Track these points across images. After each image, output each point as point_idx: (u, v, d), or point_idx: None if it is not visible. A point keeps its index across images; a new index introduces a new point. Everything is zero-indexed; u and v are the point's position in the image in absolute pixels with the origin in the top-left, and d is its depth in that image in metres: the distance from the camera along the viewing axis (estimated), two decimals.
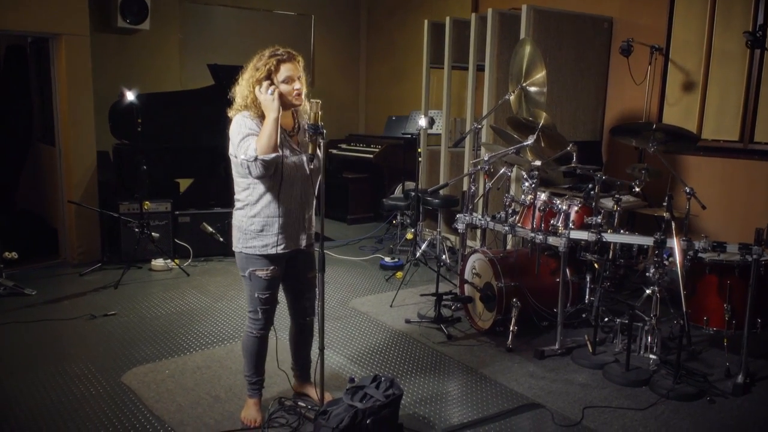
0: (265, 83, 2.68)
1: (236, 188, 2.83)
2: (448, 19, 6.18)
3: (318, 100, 2.66)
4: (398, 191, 7.43)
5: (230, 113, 2.80)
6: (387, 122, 8.21)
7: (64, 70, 5.50)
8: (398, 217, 6.69)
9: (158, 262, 5.61)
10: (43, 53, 5.86)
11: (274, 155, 2.62)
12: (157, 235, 5.69)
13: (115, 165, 6.15)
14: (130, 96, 5.32)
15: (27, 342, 3.97)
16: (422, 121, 4.90)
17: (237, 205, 2.85)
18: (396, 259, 5.85)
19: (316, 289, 3.00)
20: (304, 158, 2.79)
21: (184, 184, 6.77)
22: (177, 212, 5.91)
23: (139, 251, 5.57)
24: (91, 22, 6.48)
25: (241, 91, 2.77)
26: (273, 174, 2.71)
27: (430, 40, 6.50)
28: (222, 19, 7.65)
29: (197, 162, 6.30)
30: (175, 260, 5.67)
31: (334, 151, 8.30)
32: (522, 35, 5.22)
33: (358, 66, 9.11)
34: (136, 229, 5.52)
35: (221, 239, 5.87)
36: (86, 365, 3.60)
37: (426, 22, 6.48)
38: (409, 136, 7.51)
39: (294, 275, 2.96)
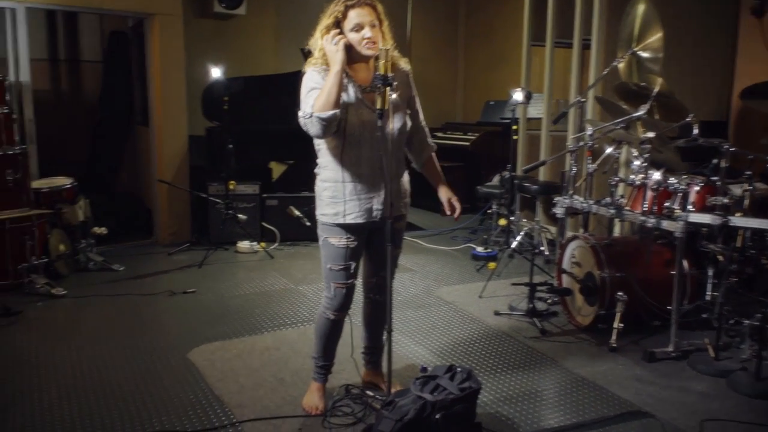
0: (333, 32, 2.40)
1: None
2: None
3: (388, 47, 2.35)
4: (496, 180, 6.99)
5: (304, 67, 2.54)
6: (484, 107, 7.78)
7: (158, 50, 5.54)
8: (493, 206, 6.26)
9: (244, 244, 5.52)
10: (142, 37, 5.96)
11: (330, 113, 2.33)
12: (244, 217, 5.61)
13: (207, 147, 6.14)
14: (215, 73, 5.25)
15: (106, 314, 3.94)
16: (517, 95, 4.48)
17: (315, 169, 2.62)
18: (489, 250, 5.44)
19: (395, 268, 2.71)
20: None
21: (279, 170, 6.70)
22: (265, 195, 5.81)
23: (225, 233, 5.51)
24: (189, 7, 6.60)
25: (314, 42, 2.52)
26: (336, 133, 2.43)
27: (531, 15, 6.03)
28: (318, 2, 7.48)
29: (290, 146, 6.14)
30: (261, 243, 5.57)
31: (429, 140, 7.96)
32: None
33: (456, 50, 8.73)
34: (223, 210, 5.46)
35: (308, 223, 5.70)
36: (157, 340, 3.50)
37: None
38: (508, 120, 7.02)
39: (372, 247, 2.67)
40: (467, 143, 7.38)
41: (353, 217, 2.51)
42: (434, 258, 5.43)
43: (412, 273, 4.93)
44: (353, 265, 2.58)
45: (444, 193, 2.75)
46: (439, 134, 7.98)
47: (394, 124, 2.46)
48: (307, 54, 2.63)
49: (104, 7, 5.28)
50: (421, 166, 2.76)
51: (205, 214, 5.71)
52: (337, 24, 2.41)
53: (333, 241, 2.54)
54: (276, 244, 5.70)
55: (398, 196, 2.59)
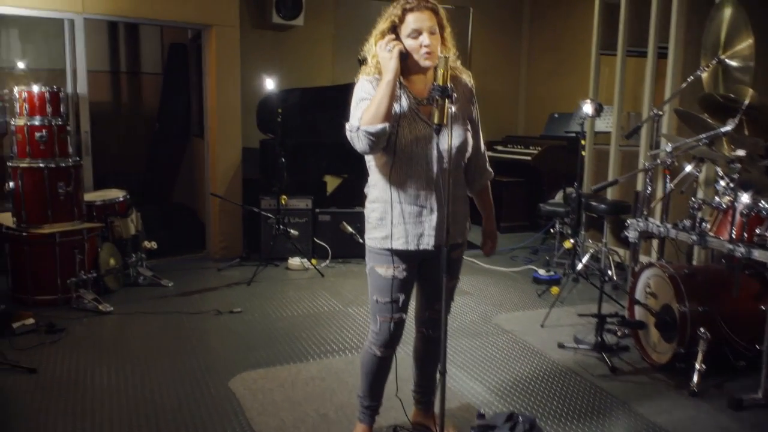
0: (388, 37, 2.18)
1: None
2: None
3: (447, 55, 2.11)
4: (558, 197, 6.62)
5: (357, 76, 2.34)
6: (548, 120, 7.42)
7: (214, 61, 5.47)
8: (557, 226, 5.91)
9: (295, 261, 5.37)
10: (201, 49, 5.92)
11: (380, 126, 2.10)
12: (296, 232, 5.46)
13: (260, 160, 6.05)
14: (269, 85, 5.14)
15: (151, 334, 3.83)
16: (587, 107, 4.15)
17: (365, 187, 2.41)
18: (552, 273, 5.10)
19: (451, 301, 2.47)
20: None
21: (334, 184, 6.55)
22: (318, 210, 5.64)
23: (276, 248, 5.37)
24: (247, 18, 6.57)
25: (368, 49, 2.30)
26: (386, 149, 2.21)
27: (602, 22, 5.68)
28: (376, 13, 7.31)
29: (345, 160, 6.00)
30: (313, 260, 5.40)
31: (490, 154, 7.63)
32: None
33: (519, 61, 8.40)
34: (274, 225, 5.32)
35: (361, 240, 5.49)
36: (199, 363, 3.34)
37: (597, 1, 5.67)
38: (573, 134, 6.65)
39: (426, 278, 2.42)
40: (529, 158, 7.04)
41: (402, 243, 2.27)
42: (492, 280, 5.13)
43: (469, 296, 4.65)
44: (402, 298, 2.33)
45: (488, 228, 2.55)
46: (500, 148, 7.68)
47: (453, 140, 2.21)
48: (362, 62, 2.42)
49: (162, 18, 5.26)
50: (474, 193, 2.50)
51: (257, 228, 5.59)
52: (394, 29, 2.20)
53: (380, 270, 2.31)
54: (327, 261, 5.52)
55: (455, 222, 2.33)
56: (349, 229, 5.59)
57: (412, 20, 2.17)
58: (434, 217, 2.25)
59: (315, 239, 5.64)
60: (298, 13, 6.77)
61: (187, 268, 5.30)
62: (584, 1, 7.12)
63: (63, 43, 4.93)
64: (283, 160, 5.20)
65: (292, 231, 5.42)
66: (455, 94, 2.09)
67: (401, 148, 2.21)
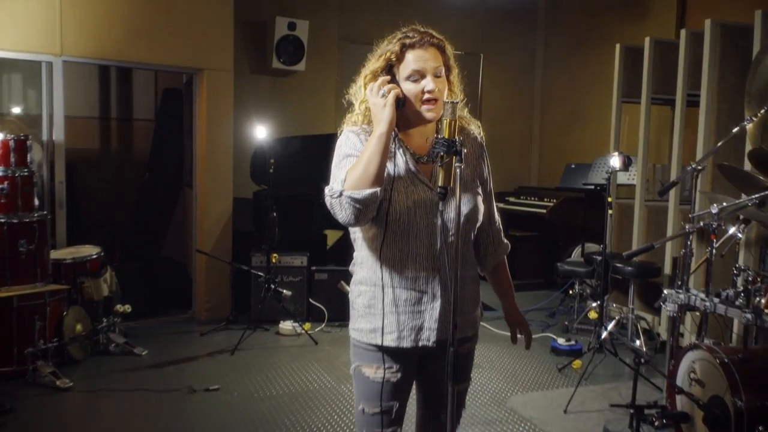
0: (381, 79, 1.74)
1: None
2: (647, 39, 4.93)
3: (454, 100, 1.66)
4: (576, 254, 6.11)
5: (340, 127, 1.89)
6: (564, 171, 6.97)
7: (204, 106, 5.09)
8: (576, 287, 5.39)
9: (286, 325, 4.86)
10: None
11: (368, 192, 1.64)
12: (289, 293, 4.96)
13: (254, 212, 5.60)
14: (260, 133, 4.74)
15: (110, 415, 3.32)
16: (614, 161, 3.68)
17: (350, 266, 1.96)
18: (573, 342, 4.55)
19: (461, 409, 1.97)
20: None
21: (335, 238, 6.10)
22: (314, 268, 5.17)
23: (267, 310, 4.87)
24: (245, 62, 6.26)
25: (355, 92, 1.87)
26: (376, 219, 1.74)
27: (623, 68, 5.27)
28: None
29: None
30: (306, 324, 4.90)
31: (501, 205, 7.20)
32: (755, 49, 3.84)
33: (532, 108, 8.02)
34: (269, 286, 4.84)
35: None
36: None
37: (618, 46, 5.28)
38: (593, 187, 6.21)
39: (427, 380, 1.92)
40: (544, 210, 6.56)
41: (394, 339, 1.78)
42: (505, 349, 4.59)
43: (479, 370, 4.11)
44: (396, 407, 1.82)
45: (513, 316, 2.08)
46: (512, 199, 7.22)
47: (461, 207, 1.74)
48: (348, 107, 1.97)
49: (149, 62, 4.90)
50: (488, 271, 2.01)
51: (246, 287, 5.10)
52: (390, 69, 1.76)
53: (367, 371, 1.82)
54: (323, 325, 5.01)
55: (464, 310, 1.84)
56: (348, 288, 5.08)
57: (413, 59, 1.73)
58: (437, 305, 1.77)
59: (310, 300, 5.15)
60: (299, 58, 6.45)
61: (166, 333, 4.81)
62: (602, 47, 6.75)
63: (40, 87, 4.57)
64: (274, 214, 4.75)
65: (284, 291, 4.93)
66: (465, 150, 1.63)
67: (396, 217, 1.74)
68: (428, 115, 1.74)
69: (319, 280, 5.18)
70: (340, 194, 1.66)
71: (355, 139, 1.79)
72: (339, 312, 5.10)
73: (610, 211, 3.70)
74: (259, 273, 4.93)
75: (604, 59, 6.37)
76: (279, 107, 6.51)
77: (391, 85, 1.72)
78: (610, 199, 3.78)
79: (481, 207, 1.86)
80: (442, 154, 1.63)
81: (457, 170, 1.61)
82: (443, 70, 1.77)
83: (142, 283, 5.25)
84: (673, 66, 4.69)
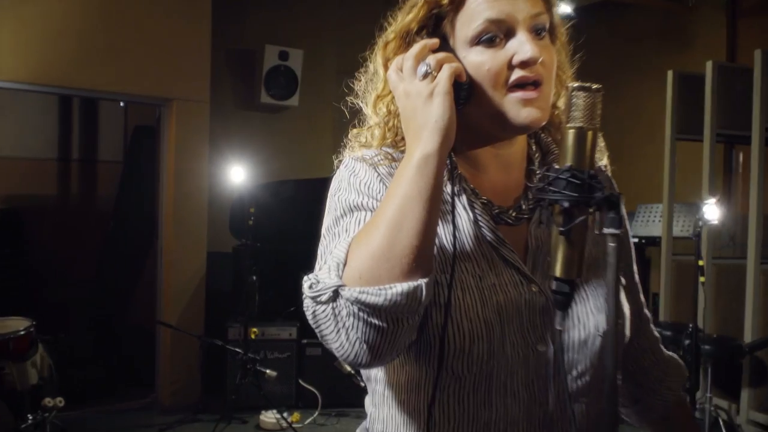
0: (422, 44, 0.87)
1: None
2: (710, 64, 4.10)
3: (591, 85, 0.74)
4: None
5: (338, 156, 1.03)
6: None
7: (173, 144, 4.23)
8: None
9: (268, 417, 3.87)
10: None
11: (400, 290, 0.75)
12: (273, 373, 3.96)
13: (233, 271, 4.66)
14: (237, 176, 3.85)
15: None
16: (710, 211, 2.76)
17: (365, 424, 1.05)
18: None
19: None
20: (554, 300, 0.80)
21: None
22: (305, 341, 4.21)
23: (245, 396, 3.88)
24: (231, 96, 5.44)
25: (366, 84, 1.01)
26: (416, 350, 0.84)
27: (677, 99, 4.42)
28: None
29: None
30: (295, 414, 3.91)
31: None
32: None
33: None
34: (248, 366, 3.86)
35: (363, 383, 4.00)
36: None
37: (670, 73, 4.44)
38: (636, 240, 5.27)
39: None
40: None
41: None
42: None
43: None
44: None
45: None
46: None
47: (589, 319, 0.82)
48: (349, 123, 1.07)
49: (102, 89, 4.05)
50: (654, 418, 1.08)
51: (221, 366, 4.12)
52: (436, 26, 0.90)
53: None
54: (316, 414, 4.02)
55: None
56: (348, 367, 4.10)
57: (481, 5, 0.85)
58: None
59: (300, 381, 4.16)
60: (292, 91, 5.63)
61: (117, 427, 3.81)
62: (639, 76, 5.92)
63: None
64: (254, 278, 3.80)
65: (268, 371, 3.94)
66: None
67: (460, 347, 0.83)
68: (524, 114, 0.85)
69: (312, 356, 4.21)
70: (336, 294, 0.76)
71: (367, 174, 0.90)
72: (335, 396, 4.11)
73: (701, 279, 2.76)
74: (237, 349, 3.94)
75: (641, 90, 5.57)
76: (268, 147, 5.63)
77: (443, 55, 0.84)
78: (701, 263, 2.84)
79: (627, 311, 0.93)
80: (563, 205, 0.71)
81: (612, 246, 0.69)
82: (548, 25, 0.87)
83: (97, 357, 4.32)
84: (740, 97, 3.89)
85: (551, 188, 0.72)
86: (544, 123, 0.87)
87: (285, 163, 5.50)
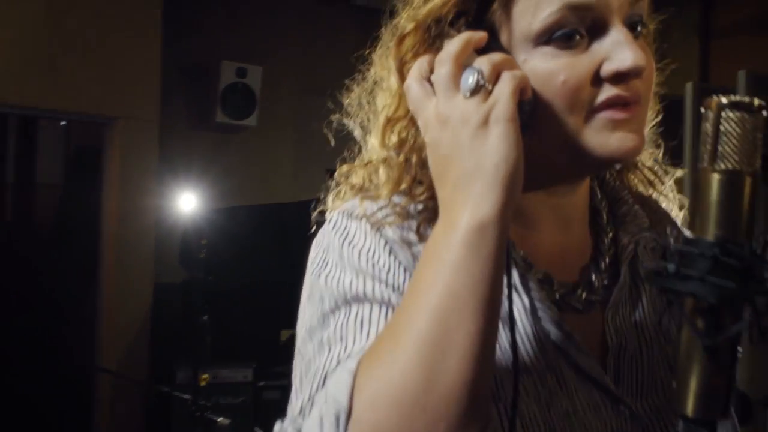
0: (464, 38, 0.55)
1: None
2: (689, 86, 3.93)
3: (757, 101, 0.43)
4: None
5: (325, 205, 0.73)
6: None
7: (118, 165, 3.87)
8: None
9: None
10: None
11: None
12: (227, 421, 3.58)
13: (183, 305, 4.28)
14: (186, 204, 3.51)
15: None
16: None
17: None
18: None
19: None
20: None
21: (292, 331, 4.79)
22: (262, 383, 3.85)
23: None
24: (184, 115, 5.09)
25: (356, 105, 0.71)
26: None
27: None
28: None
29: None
30: None
31: None
32: None
33: None
34: (198, 414, 3.47)
35: None
36: None
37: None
38: None
39: None
40: None
41: None
42: None
43: None
44: None
45: None
46: None
47: None
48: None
49: (32, 105, 3.66)
50: None
51: (166, 414, 3.72)
52: (480, 14, 0.58)
53: None
54: None
55: None
56: None
57: None
58: None
59: (257, 430, 3.79)
60: (250, 111, 5.32)
61: None
62: None
63: None
64: (205, 317, 3.43)
65: (220, 419, 3.55)
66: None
67: None
68: (616, 143, 0.57)
69: (270, 400, 3.86)
70: None
71: (370, 240, 0.61)
72: None
73: None
74: (185, 396, 3.55)
75: None
76: (223, 170, 5.29)
77: (500, 56, 0.54)
78: None
79: None
80: (707, 301, 0.41)
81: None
82: (644, 16, 0.59)
83: (25, 407, 3.87)
84: None
85: (685, 271, 0.41)
86: (641, 153, 0.62)
87: (242, 187, 5.16)
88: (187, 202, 3.67)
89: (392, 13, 0.64)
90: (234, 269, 3.99)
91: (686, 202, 0.76)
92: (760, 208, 0.43)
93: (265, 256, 4.29)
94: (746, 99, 0.41)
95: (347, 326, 0.56)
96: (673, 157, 2.85)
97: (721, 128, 0.41)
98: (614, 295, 0.63)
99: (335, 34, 5.53)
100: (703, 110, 0.43)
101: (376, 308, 0.56)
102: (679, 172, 0.77)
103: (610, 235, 0.67)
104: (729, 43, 4.74)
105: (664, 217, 0.75)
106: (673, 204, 0.78)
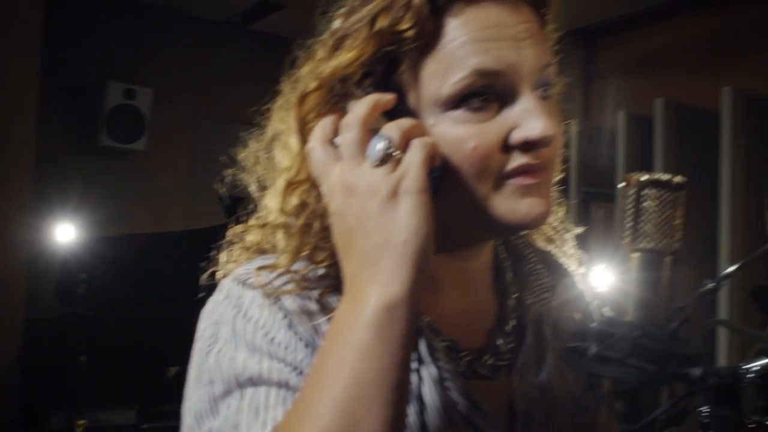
0: (372, 99, 0.53)
1: None
2: (573, 123, 4.18)
3: (678, 178, 0.42)
4: None
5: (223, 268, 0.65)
6: None
7: None
8: None
9: None
10: None
11: None
12: None
13: (58, 344, 3.95)
14: (63, 234, 3.28)
15: None
16: (598, 276, 2.63)
17: None
18: None
19: None
20: None
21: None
22: (145, 426, 3.61)
23: None
24: (62, 137, 4.79)
25: (259, 151, 0.68)
26: None
27: None
28: (237, 141, 5.84)
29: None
30: None
31: None
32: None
33: None
34: None
35: None
36: None
37: None
38: None
39: None
40: None
41: None
42: None
43: None
44: None
45: None
46: None
47: None
48: (232, 204, 0.96)
49: None
50: None
51: None
52: (387, 73, 0.55)
53: None
54: None
55: None
56: None
57: (475, 36, 0.54)
58: None
59: None
60: (138, 134, 5.12)
61: None
62: None
63: None
64: (83, 359, 3.18)
65: None
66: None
67: None
68: (525, 209, 0.56)
69: None
70: None
71: (267, 313, 0.55)
72: None
73: None
74: None
75: None
76: (108, 197, 4.99)
77: (410, 122, 0.52)
78: None
79: None
80: (627, 385, 0.39)
81: None
82: (554, 73, 0.60)
83: None
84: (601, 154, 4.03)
85: (606, 353, 0.39)
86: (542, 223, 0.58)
87: (128, 215, 4.89)
88: (65, 232, 3.43)
89: (293, 63, 0.61)
90: (117, 303, 3.73)
91: (585, 258, 0.77)
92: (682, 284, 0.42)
93: (152, 288, 4.05)
94: (666, 177, 0.40)
95: (240, 414, 0.50)
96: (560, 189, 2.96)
97: (642, 206, 0.40)
98: (520, 359, 0.62)
99: (233, 58, 5.43)
100: (622, 186, 0.41)
101: (273, 392, 0.51)
102: (578, 230, 0.77)
103: (515, 296, 0.67)
104: (610, 83, 5.08)
105: (565, 274, 0.75)
106: (572, 260, 0.77)
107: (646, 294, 0.41)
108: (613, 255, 0.42)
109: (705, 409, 0.42)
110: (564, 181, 2.59)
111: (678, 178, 0.40)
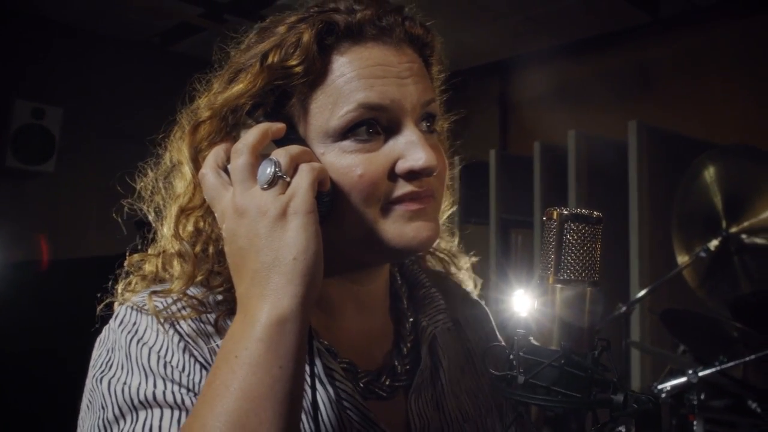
0: (262, 128, 0.56)
1: None
2: (493, 153, 4.29)
3: (596, 213, 0.43)
4: None
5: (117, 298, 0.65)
6: None
7: None
8: None
9: None
10: None
11: None
12: None
13: None
14: None
15: None
16: (519, 300, 2.68)
17: None
18: None
19: None
20: None
21: None
22: None
23: None
24: None
25: (155, 182, 0.71)
26: None
27: (463, 185, 4.58)
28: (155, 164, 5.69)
29: None
30: None
31: None
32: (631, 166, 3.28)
33: None
34: None
35: None
36: None
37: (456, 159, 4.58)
38: None
39: None
40: None
41: None
42: None
43: None
44: None
45: None
46: None
47: None
48: (141, 230, 0.76)
49: None
50: None
51: None
52: (278, 105, 0.59)
53: None
54: None
55: None
56: None
57: (362, 73, 0.57)
58: None
59: None
60: (48, 155, 4.92)
61: None
62: None
63: None
64: None
65: None
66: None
67: None
68: (411, 233, 0.60)
69: None
70: None
71: (161, 337, 0.55)
72: None
73: None
74: None
75: None
76: (11, 221, 4.74)
77: (298, 149, 0.55)
78: None
79: None
80: (553, 412, 0.40)
81: None
82: (437, 108, 0.65)
83: None
84: (518, 183, 4.14)
85: (533, 381, 0.40)
86: (435, 243, 0.67)
87: (34, 240, 4.65)
88: None
89: (191, 96, 0.64)
90: (15, 336, 3.51)
91: (479, 282, 0.83)
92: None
93: (62, 317, 3.84)
94: (586, 212, 0.42)
95: None
96: (480, 216, 3.02)
97: (564, 239, 0.40)
98: (416, 380, 0.65)
99: (149, 79, 5.28)
100: (545, 219, 0.42)
101: (167, 414, 0.51)
102: (473, 259, 0.84)
103: (411, 319, 0.69)
104: (526, 115, 5.27)
105: (461, 296, 0.80)
106: (468, 282, 0.84)
107: (568, 323, 0.42)
108: (535, 284, 0.43)
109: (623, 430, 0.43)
110: (484, 208, 2.64)
111: (596, 213, 0.42)
